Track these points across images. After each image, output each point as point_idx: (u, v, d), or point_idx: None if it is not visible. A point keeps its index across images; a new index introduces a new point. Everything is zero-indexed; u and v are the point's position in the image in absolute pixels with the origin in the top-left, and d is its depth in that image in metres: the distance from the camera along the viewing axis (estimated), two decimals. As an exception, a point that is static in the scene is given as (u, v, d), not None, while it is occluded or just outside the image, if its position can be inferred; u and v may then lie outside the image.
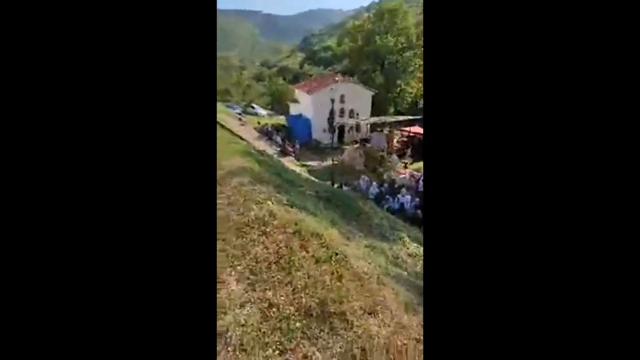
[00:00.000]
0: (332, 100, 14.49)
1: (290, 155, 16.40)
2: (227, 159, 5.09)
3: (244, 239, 2.96)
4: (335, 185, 10.96)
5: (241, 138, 14.17)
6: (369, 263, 3.23)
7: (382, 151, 15.59)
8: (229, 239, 2.93)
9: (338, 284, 2.57)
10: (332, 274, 2.70)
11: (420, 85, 23.54)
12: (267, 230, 3.14)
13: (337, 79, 20.84)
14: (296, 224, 3.30)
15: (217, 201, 3.49)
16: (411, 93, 24.73)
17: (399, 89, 23.81)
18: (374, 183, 11.14)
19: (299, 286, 2.46)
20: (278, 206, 3.68)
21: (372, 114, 20.96)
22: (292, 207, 3.83)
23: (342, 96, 20.06)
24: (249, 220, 3.24)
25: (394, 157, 15.28)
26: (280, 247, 2.91)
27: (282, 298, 2.30)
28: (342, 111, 20.29)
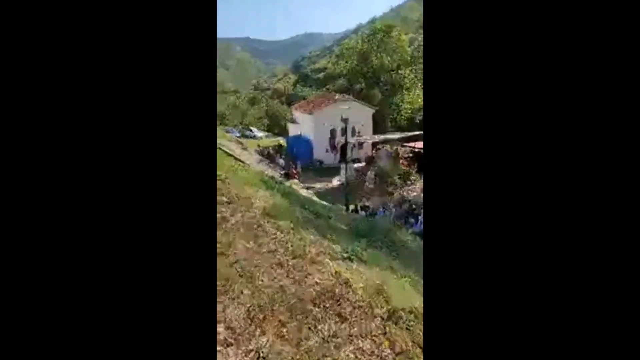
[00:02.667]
0: (345, 120, 13.95)
1: (295, 178, 15.82)
2: (247, 192, 4.47)
3: (323, 330, 2.01)
4: (351, 209, 10.33)
5: (242, 162, 13.66)
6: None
7: (391, 170, 15.14)
8: (295, 331, 1.97)
9: None
10: None
11: (418, 100, 23.66)
12: (346, 310, 2.20)
13: (336, 98, 20.73)
14: (387, 301, 2.38)
15: (266, 262, 2.79)
16: (408, 109, 24.80)
17: (396, 105, 23.79)
18: (390, 204, 10.57)
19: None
20: (340, 264, 3.00)
21: (374, 131, 20.73)
22: (351, 260, 3.18)
23: (342, 115, 19.87)
24: (316, 296, 2.30)
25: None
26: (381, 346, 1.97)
27: None
28: (343, 130, 20.01)
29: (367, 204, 11.54)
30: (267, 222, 3.61)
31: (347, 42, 29.21)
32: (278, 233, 3.35)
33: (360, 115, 20.02)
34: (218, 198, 4.10)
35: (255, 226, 3.48)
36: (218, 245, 2.97)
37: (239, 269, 2.62)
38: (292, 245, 3.11)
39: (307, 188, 14.93)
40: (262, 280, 2.51)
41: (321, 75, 65.96)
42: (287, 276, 2.62)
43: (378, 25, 24.65)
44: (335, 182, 16.34)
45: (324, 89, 45.50)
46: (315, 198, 11.36)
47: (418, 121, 22.31)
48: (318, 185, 15.83)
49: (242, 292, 2.35)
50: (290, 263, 2.80)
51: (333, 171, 17.81)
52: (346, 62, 25.75)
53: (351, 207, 11.00)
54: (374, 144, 19.94)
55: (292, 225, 3.62)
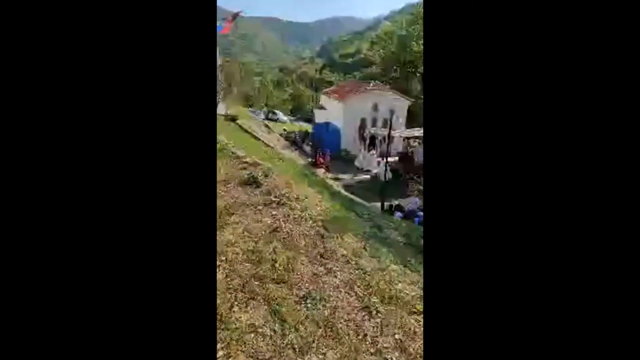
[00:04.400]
0: (391, 111, 12.92)
1: (322, 167, 15.07)
2: (294, 189, 3.73)
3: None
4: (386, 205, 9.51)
5: (270, 147, 13.01)
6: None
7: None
8: None
9: None
10: None
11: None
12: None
13: (371, 85, 19.56)
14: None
15: (347, 302, 2.07)
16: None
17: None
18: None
19: None
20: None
21: (407, 125, 19.53)
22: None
23: (375, 104, 18.75)
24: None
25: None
26: None
27: None
28: (374, 121, 18.94)
29: (400, 202, 10.67)
30: (329, 234, 2.86)
31: (386, 25, 27.51)
32: (350, 256, 2.60)
33: (396, 106, 18.85)
34: (265, 196, 3.44)
35: (316, 241, 2.75)
36: (273, 265, 2.27)
37: (314, 312, 1.91)
38: (377, 282, 2.33)
39: (335, 179, 14.20)
40: (351, 339, 1.77)
41: (349, 60, 63.91)
42: (385, 333, 1.86)
43: (420, 9, 22.88)
44: (364, 175, 15.46)
45: (352, 75, 43.88)
46: (332, 185, 10.65)
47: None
48: (346, 177, 15.02)
49: (325, 356, 1.64)
50: (381, 310, 2.04)
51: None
52: (383, 48, 24.26)
53: (386, 204, 10.23)
54: (406, 139, 18.82)
55: (363, 246, 2.85)
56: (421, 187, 12.78)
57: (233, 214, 2.98)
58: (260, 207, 3.17)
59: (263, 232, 2.72)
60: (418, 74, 21.82)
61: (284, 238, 2.68)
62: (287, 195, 3.48)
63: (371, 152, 17.63)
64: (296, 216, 3.09)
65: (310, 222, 3.05)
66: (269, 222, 2.90)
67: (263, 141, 13.09)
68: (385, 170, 12.77)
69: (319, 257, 2.52)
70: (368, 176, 15.44)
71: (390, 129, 13.43)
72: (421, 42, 21.39)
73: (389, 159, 16.64)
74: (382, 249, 2.95)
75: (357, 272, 2.38)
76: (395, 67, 23.61)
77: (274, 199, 3.33)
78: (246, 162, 4.51)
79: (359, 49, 65.90)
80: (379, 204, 10.63)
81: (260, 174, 3.86)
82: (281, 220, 2.96)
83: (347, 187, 12.85)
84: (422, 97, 21.18)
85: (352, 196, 8.86)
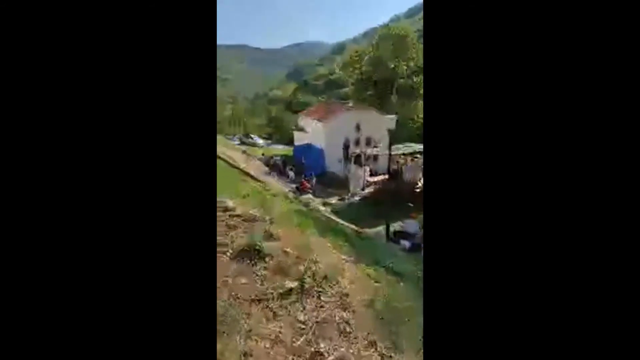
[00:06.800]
0: (390, 131, 12.34)
1: (309, 192, 14.08)
2: (303, 242, 2.67)
3: None
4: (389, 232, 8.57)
5: (251, 176, 11.90)
6: None
7: (417, 185, 13.51)
8: None
9: None
10: None
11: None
12: None
13: (350, 105, 19.21)
14: None
15: None
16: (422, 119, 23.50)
17: (410, 115, 22.35)
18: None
19: None
20: None
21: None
22: None
23: (357, 124, 18.31)
24: None
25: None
26: None
27: None
28: (357, 140, 18.43)
29: (401, 227, 9.80)
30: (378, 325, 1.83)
31: (355, 47, 27.92)
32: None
33: (377, 125, 18.51)
34: (261, 265, 2.33)
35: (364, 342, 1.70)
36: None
37: None
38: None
39: (325, 204, 13.21)
40: None
41: (321, 82, 64.91)
42: None
43: (393, 31, 23.33)
44: (356, 197, 14.61)
45: (325, 96, 44.12)
46: (323, 210, 9.59)
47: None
48: (334, 201, 14.08)
49: None
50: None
51: (345, 183, 16.12)
52: (355, 68, 24.34)
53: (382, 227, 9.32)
54: (390, 156, 18.41)
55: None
56: (413, 206, 12.10)
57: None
58: (273, 306, 1.98)
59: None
60: (394, 92, 21.92)
61: (302, 327, 1.62)
62: (295, 253, 2.39)
63: (363, 171, 16.90)
64: (316, 290, 1.98)
65: (340, 302, 1.98)
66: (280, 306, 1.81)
67: (239, 169, 11.93)
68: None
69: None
70: (357, 198, 14.60)
71: (390, 146, 12.93)
72: (396, 60, 21.68)
73: (377, 179, 16.01)
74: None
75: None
76: (368, 87, 23.60)
77: (281, 264, 2.22)
78: (237, 217, 3.32)
79: (330, 70, 67.30)
80: (377, 229, 9.75)
81: (258, 237, 2.66)
82: (293, 297, 1.82)
83: (337, 212, 11.91)
84: (397, 113, 21.18)
85: (355, 227, 7.86)
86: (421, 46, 23.10)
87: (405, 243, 8.13)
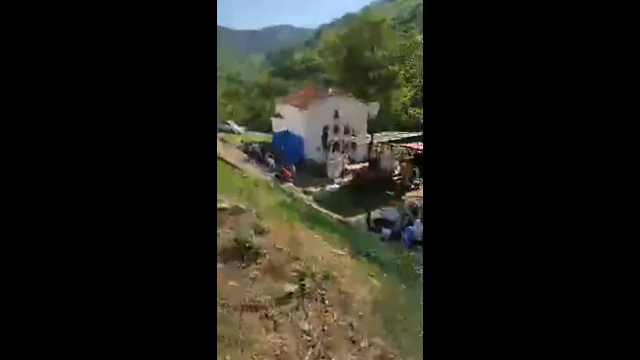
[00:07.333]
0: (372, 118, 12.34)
1: (289, 180, 14.04)
2: (301, 241, 2.73)
3: None
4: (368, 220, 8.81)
5: (230, 164, 11.67)
6: None
7: (393, 173, 13.87)
8: None
9: None
10: None
11: (407, 96, 22.82)
12: None
13: (330, 92, 19.07)
14: None
15: None
16: (399, 107, 23.76)
17: (389, 101, 22.59)
18: (410, 215, 9.18)
19: None
20: None
21: (368, 131, 19.41)
22: None
23: (336, 111, 18.29)
24: None
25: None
26: None
27: None
28: (336, 128, 18.45)
29: (381, 215, 10.10)
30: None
31: (333, 32, 27.43)
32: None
33: (355, 113, 18.58)
34: (252, 264, 2.20)
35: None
36: None
37: None
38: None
39: (305, 192, 13.26)
40: None
41: (298, 67, 63.56)
42: None
43: (370, 18, 23.10)
44: (333, 184, 14.78)
45: (303, 82, 43.37)
46: (305, 199, 9.58)
47: (419, 121, 21.31)
48: (315, 189, 14.17)
49: None
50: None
51: (325, 171, 16.24)
52: (333, 55, 24.03)
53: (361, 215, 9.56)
54: (369, 145, 18.64)
55: None
56: (392, 194, 12.50)
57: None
58: (273, 314, 1.72)
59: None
60: (369, 81, 21.93)
61: None
62: (305, 265, 2.20)
63: (341, 159, 17.00)
64: (323, 313, 1.72)
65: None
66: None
67: (222, 158, 11.66)
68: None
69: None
70: (337, 186, 14.78)
71: (372, 136, 13.02)
72: (375, 47, 21.60)
73: (356, 167, 16.24)
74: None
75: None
76: (344, 73, 23.42)
77: (291, 290, 1.89)
78: (223, 209, 3.04)
79: (308, 55, 65.92)
80: (357, 218, 9.99)
81: (248, 233, 2.38)
82: (306, 325, 1.61)
83: (319, 201, 12.02)
84: (374, 101, 21.33)
85: (337, 216, 8.00)
86: (395, 33, 23.06)
87: (387, 231, 8.40)
